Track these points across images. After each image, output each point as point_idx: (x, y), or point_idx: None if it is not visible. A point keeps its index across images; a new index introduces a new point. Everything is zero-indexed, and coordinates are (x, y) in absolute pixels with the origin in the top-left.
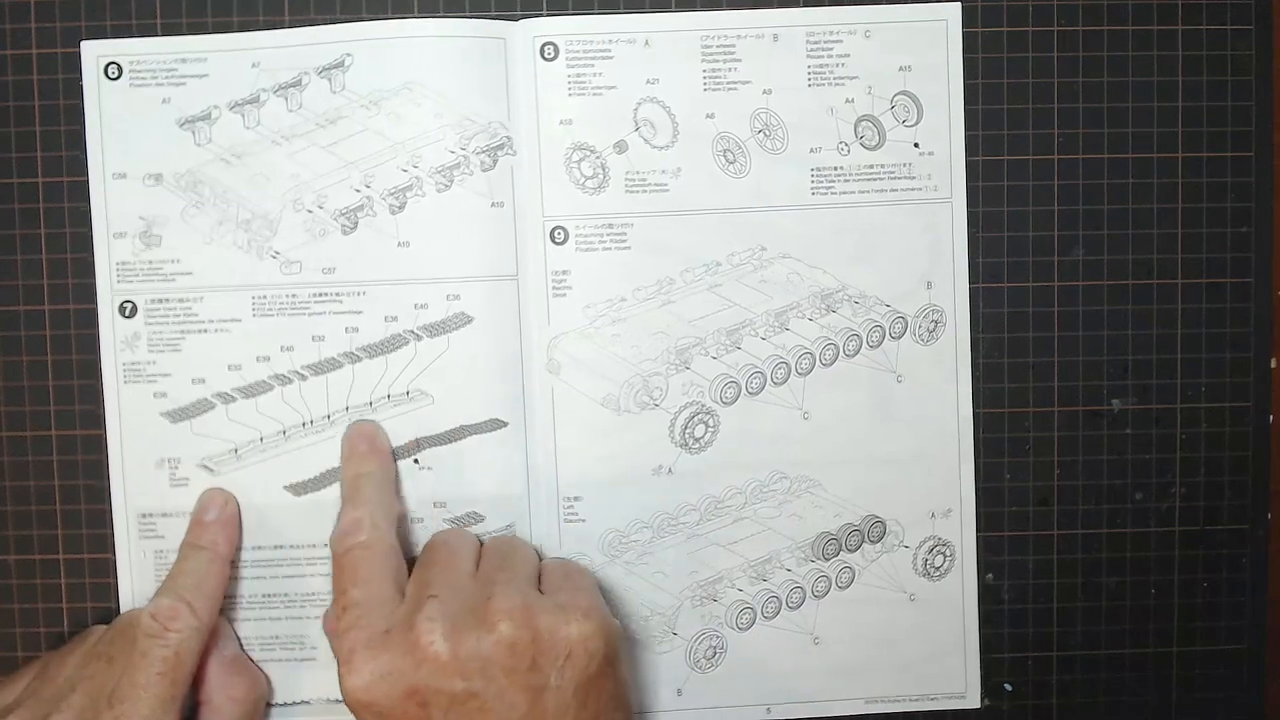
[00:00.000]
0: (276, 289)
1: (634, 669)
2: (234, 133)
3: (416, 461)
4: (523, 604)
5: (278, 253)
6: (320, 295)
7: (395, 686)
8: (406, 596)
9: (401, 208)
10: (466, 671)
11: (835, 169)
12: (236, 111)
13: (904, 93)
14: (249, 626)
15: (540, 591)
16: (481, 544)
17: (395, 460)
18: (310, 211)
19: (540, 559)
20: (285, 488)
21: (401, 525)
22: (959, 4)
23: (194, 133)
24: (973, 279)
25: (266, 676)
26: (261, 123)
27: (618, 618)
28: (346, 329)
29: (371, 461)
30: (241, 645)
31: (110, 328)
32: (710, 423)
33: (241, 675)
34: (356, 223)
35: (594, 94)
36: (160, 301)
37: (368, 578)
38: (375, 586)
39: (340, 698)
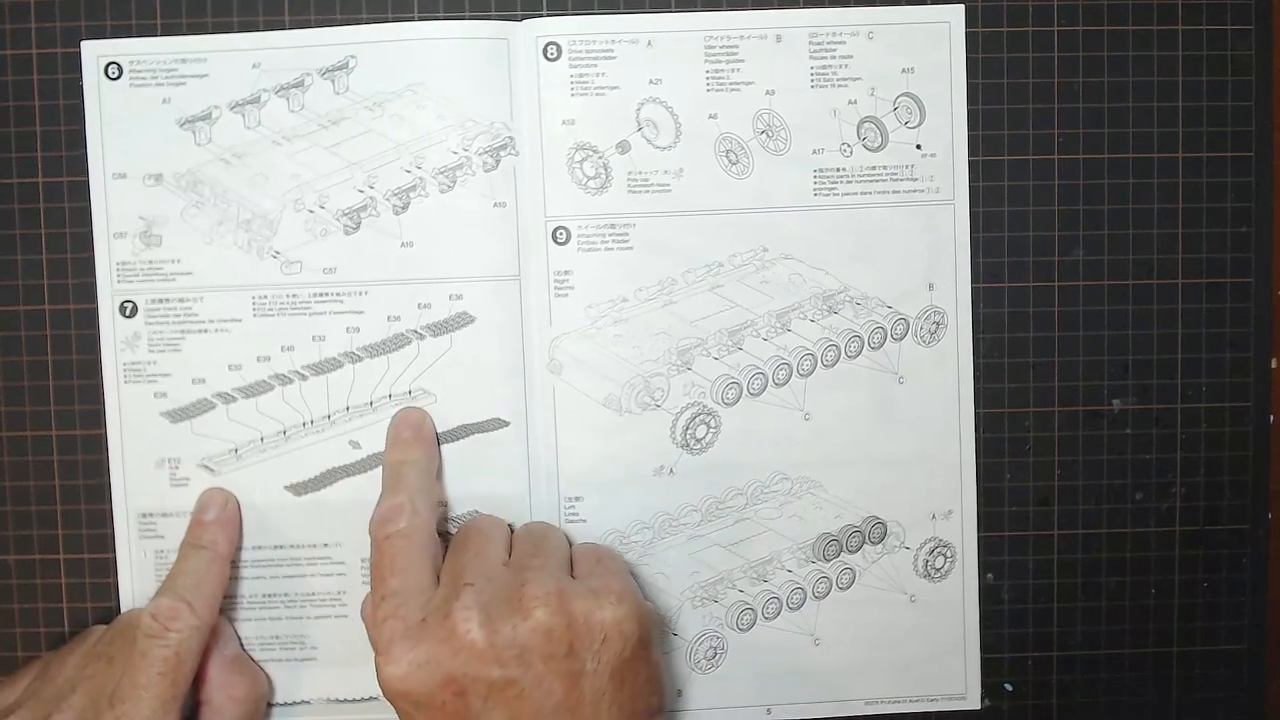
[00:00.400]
0: (277, 289)
1: (666, 651)
2: (234, 133)
3: None
4: (557, 589)
5: (278, 253)
6: (321, 295)
7: (433, 675)
8: (441, 584)
9: (405, 208)
10: (504, 659)
11: (838, 170)
12: (237, 112)
13: (906, 94)
14: (249, 626)
15: (573, 577)
16: (513, 530)
17: (440, 446)
18: (311, 211)
19: (571, 544)
20: (286, 488)
21: (439, 512)
22: (962, 6)
23: (194, 133)
24: (973, 279)
25: (268, 676)
26: (262, 123)
27: (649, 600)
28: (347, 329)
29: (416, 449)
30: (242, 645)
31: (110, 327)
32: (711, 423)
33: (242, 675)
34: (359, 223)
35: (596, 94)
36: (160, 301)
37: (405, 566)
38: (413, 575)
39: (341, 697)
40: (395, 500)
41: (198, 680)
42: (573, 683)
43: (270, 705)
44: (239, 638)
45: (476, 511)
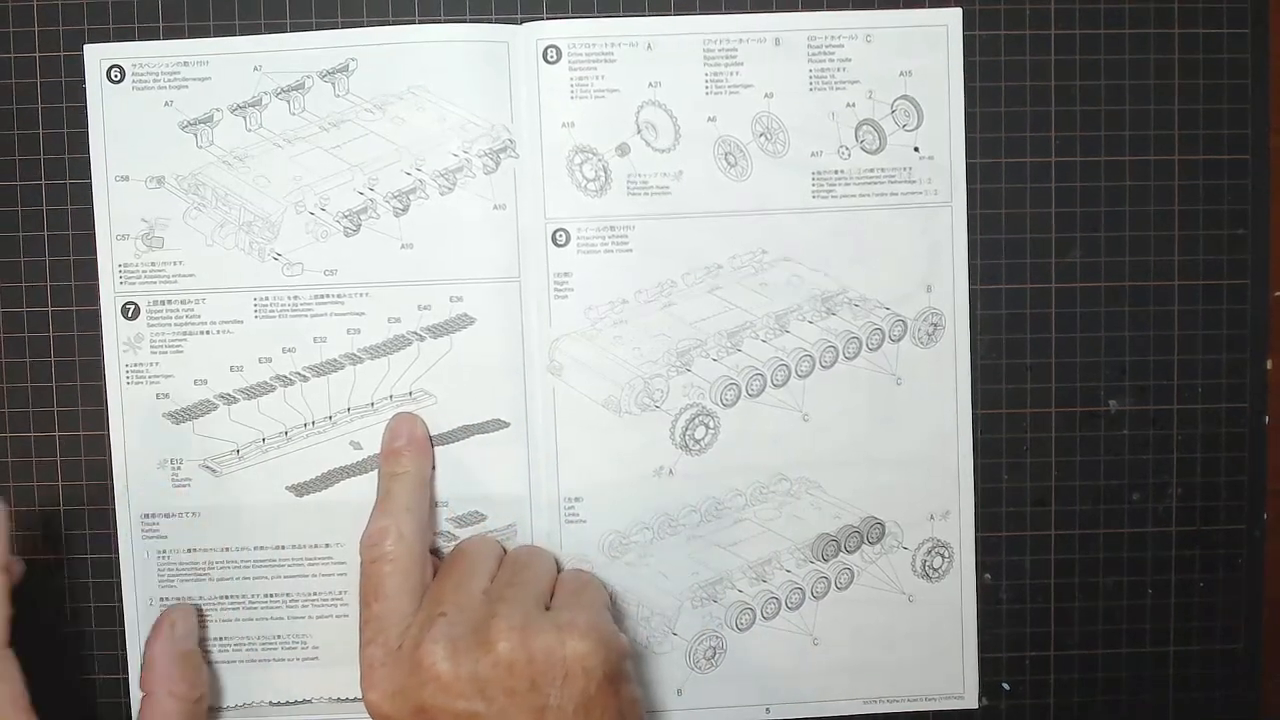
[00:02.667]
0: (278, 290)
1: (644, 684)
2: (235, 135)
3: None
4: (522, 624)
5: (279, 254)
6: (321, 297)
7: (405, 703)
8: (420, 611)
9: (405, 210)
10: (467, 692)
11: (836, 172)
12: (238, 114)
13: (904, 97)
14: (251, 626)
15: (549, 607)
16: (506, 553)
17: (435, 448)
18: (312, 214)
19: (560, 570)
20: (287, 488)
21: (434, 514)
22: (959, 10)
23: (196, 135)
24: (970, 281)
25: (217, 679)
26: (263, 125)
27: (624, 634)
28: (348, 330)
29: (406, 460)
30: (204, 644)
31: (113, 329)
32: (711, 424)
33: (185, 672)
34: (359, 225)
35: (596, 97)
36: (162, 303)
37: (388, 593)
38: (394, 602)
39: (343, 696)
40: (382, 523)
41: (144, 668)
42: (537, 717)
43: (273, 704)
44: (201, 636)
45: (477, 512)
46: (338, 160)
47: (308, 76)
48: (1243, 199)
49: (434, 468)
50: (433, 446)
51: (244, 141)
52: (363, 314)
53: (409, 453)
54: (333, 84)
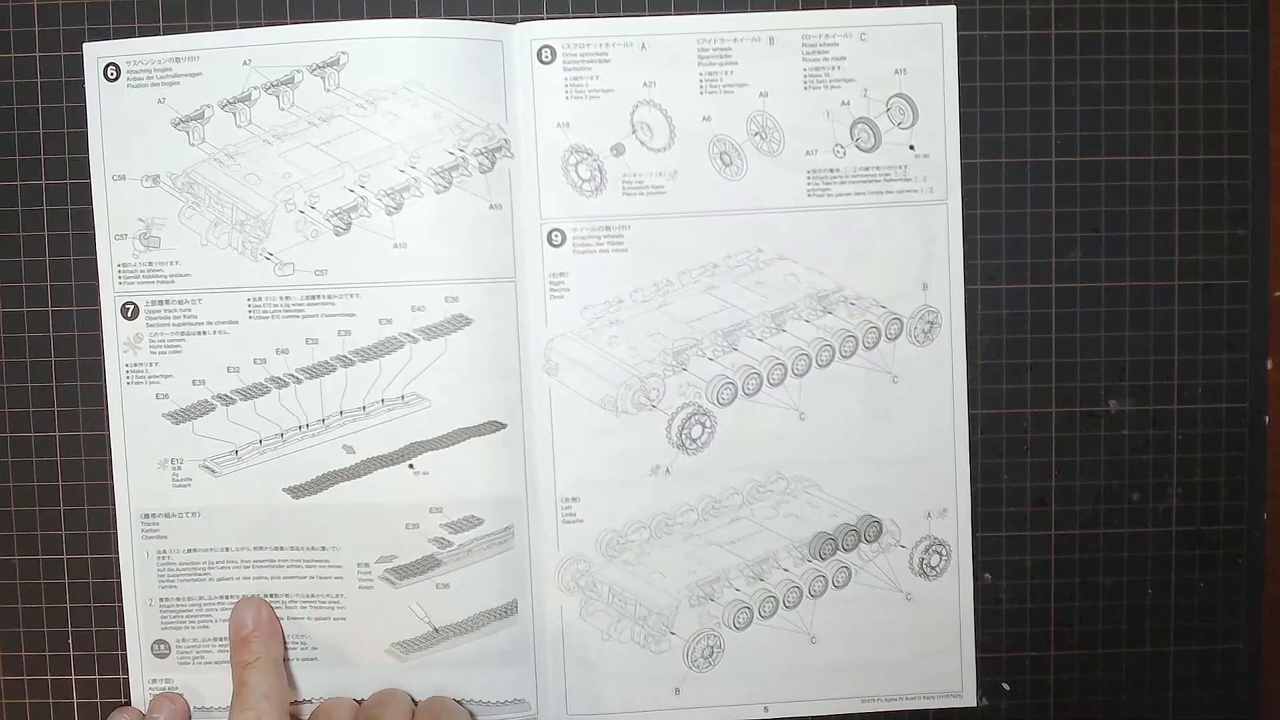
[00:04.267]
0: (270, 291)
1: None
2: (226, 132)
3: (411, 466)
4: None
5: (271, 254)
6: (312, 298)
7: None
8: None
9: (399, 208)
10: None
11: (831, 171)
12: (228, 110)
13: (899, 95)
14: None
15: None
16: (360, 706)
17: (283, 634)
18: (302, 212)
19: (415, 704)
20: (285, 490)
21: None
22: (954, 7)
23: (188, 133)
24: (971, 281)
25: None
26: (253, 121)
27: None
28: (339, 332)
29: (256, 646)
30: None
31: (113, 329)
32: (707, 423)
33: None
34: (350, 223)
35: (591, 97)
36: (161, 303)
37: None
38: None
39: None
40: (244, 717)
41: None
42: None
43: None
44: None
45: (473, 517)
46: (327, 157)
47: (296, 70)
48: (1243, 199)
49: (285, 646)
50: (281, 627)
51: (234, 138)
52: (353, 315)
53: (257, 639)
54: (322, 78)
